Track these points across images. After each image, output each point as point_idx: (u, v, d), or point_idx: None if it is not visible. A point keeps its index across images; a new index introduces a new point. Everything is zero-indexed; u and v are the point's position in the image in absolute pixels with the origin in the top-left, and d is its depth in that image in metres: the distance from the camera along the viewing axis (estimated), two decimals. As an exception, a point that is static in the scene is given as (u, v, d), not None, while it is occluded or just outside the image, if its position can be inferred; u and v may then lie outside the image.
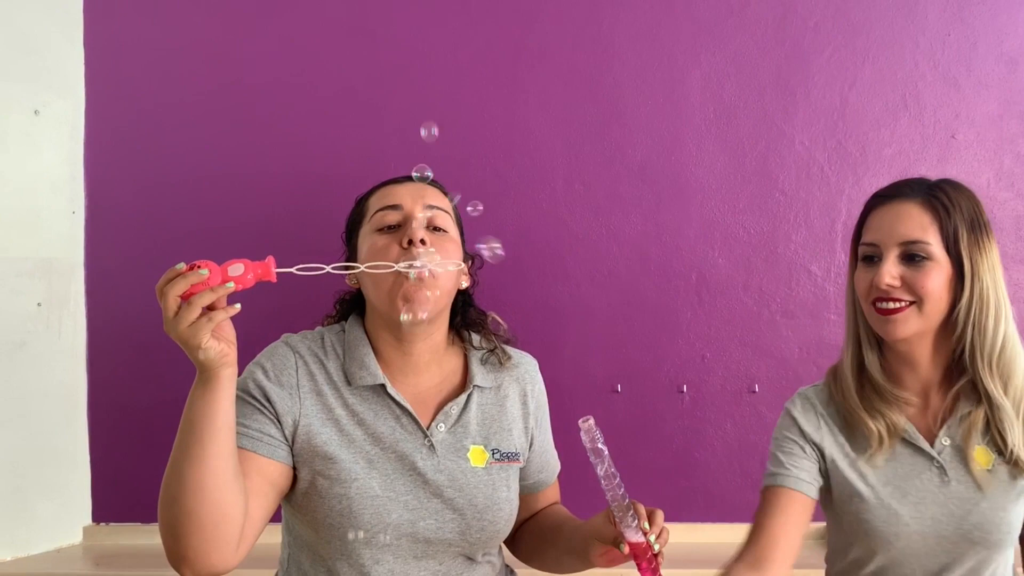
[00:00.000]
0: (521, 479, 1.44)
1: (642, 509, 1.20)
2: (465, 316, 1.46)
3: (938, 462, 1.37)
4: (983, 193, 2.07)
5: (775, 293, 2.12)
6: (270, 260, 1.11)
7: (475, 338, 1.45)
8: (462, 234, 1.43)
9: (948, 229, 1.33)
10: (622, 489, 1.19)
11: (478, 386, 1.40)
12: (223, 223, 2.12)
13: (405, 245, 1.29)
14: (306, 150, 2.13)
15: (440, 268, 1.27)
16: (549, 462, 1.50)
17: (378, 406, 1.34)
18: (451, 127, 2.12)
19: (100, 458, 2.16)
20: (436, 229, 1.34)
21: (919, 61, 2.12)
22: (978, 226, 1.36)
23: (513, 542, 1.51)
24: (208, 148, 2.15)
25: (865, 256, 1.39)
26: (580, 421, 1.20)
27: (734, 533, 2.06)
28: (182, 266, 1.07)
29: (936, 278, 1.33)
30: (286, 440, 1.29)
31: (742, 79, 2.14)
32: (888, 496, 1.36)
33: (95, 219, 2.16)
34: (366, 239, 1.35)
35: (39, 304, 2.08)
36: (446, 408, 1.36)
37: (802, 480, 1.38)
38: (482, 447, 1.37)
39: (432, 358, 1.39)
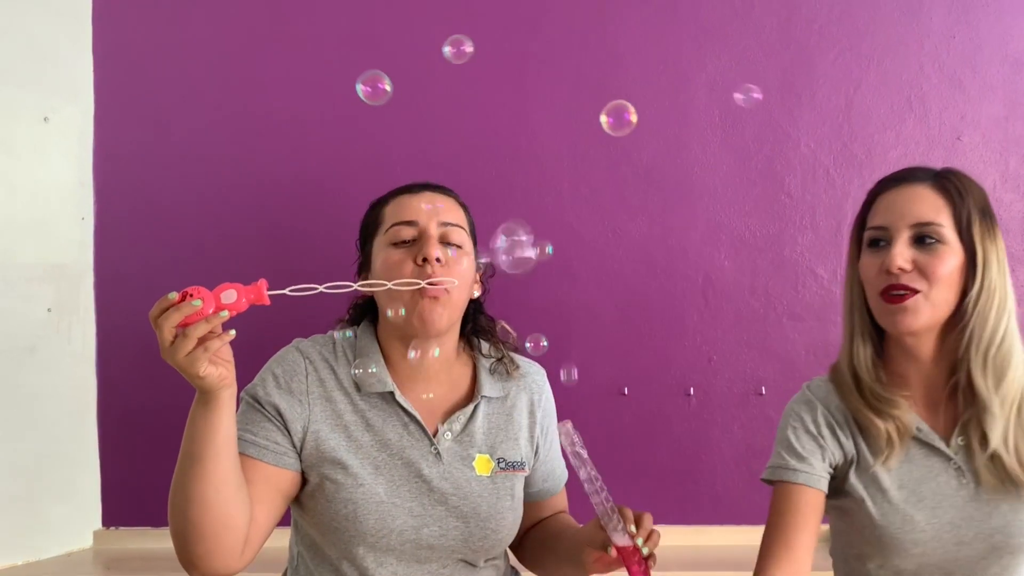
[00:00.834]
0: (526, 487, 1.44)
1: (629, 513, 1.20)
2: (476, 323, 1.47)
3: (956, 463, 1.30)
4: (989, 195, 2.09)
5: (781, 295, 2.12)
6: (262, 283, 1.10)
7: (484, 346, 1.46)
8: (475, 241, 1.42)
9: (961, 213, 1.27)
10: (604, 492, 1.19)
11: (486, 396, 1.40)
12: (231, 228, 2.13)
13: (420, 262, 1.30)
14: (314, 154, 2.14)
15: (445, 281, 1.29)
16: (555, 471, 1.50)
17: (386, 413, 1.34)
18: (458, 133, 2.14)
19: (110, 462, 2.17)
20: (450, 244, 1.34)
21: (924, 63, 2.12)
22: (988, 215, 1.30)
23: (519, 549, 1.52)
24: (216, 154, 2.16)
25: (872, 240, 1.32)
26: (559, 425, 1.21)
27: (741, 535, 2.08)
28: (174, 296, 1.06)
29: (948, 263, 1.26)
30: (294, 447, 1.30)
31: (748, 82, 2.13)
32: (903, 501, 1.29)
33: (104, 225, 2.18)
34: (380, 251, 1.36)
35: (49, 309, 2.09)
36: (453, 417, 1.37)
37: (821, 477, 1.32)
38: (488, 456, 1.37)
39: (442, 367, 1.39)
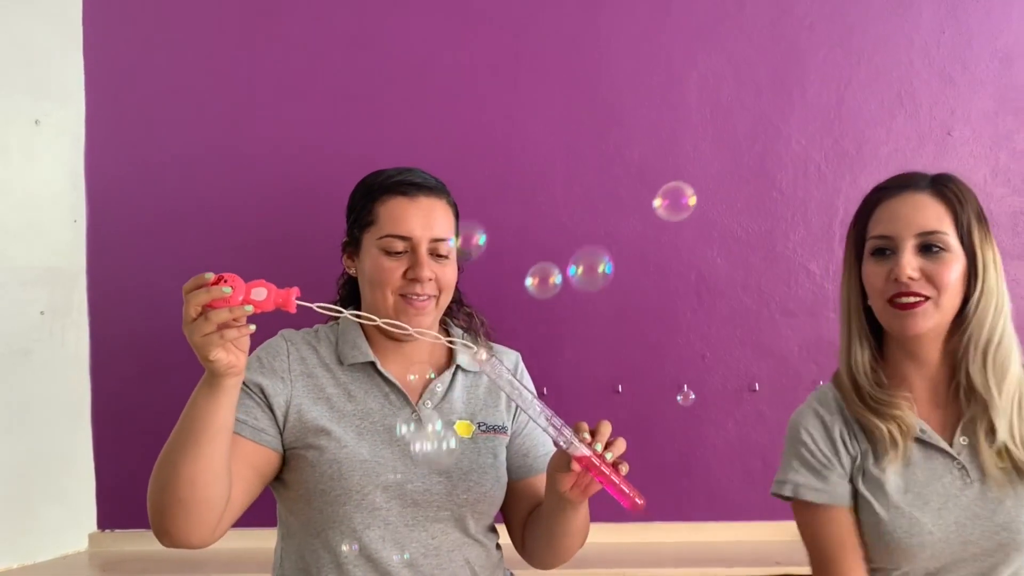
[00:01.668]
0: (509, 459, 1.48)
1: (582, 424, 1.22)
2: (448, 309, 1.52)
3: (959, 462, 1.31)
4: (980, 189, 2.08)
5: (774, 292, 2.13)
6: (294, 291, 1.12)
7: (459, 332, 1.53)
8: (457, 233, 1.47)
9: (962, 220, 1.31)
10: (549, 413, 1.21)
11: (461, 367, 1.47)
12: (225, 231, 2.13)
13: (409, 278, 1.38)
14: (307, 155, 2.14)
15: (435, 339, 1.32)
16: (536, 447, 1.51)
17: (368, 384, 1.41)
18: (450, 130, 2.14)
19: (105, 465, 2.17)
20: (440, 256, 1.41)
21: (914, 59, 2.13)
22: (983, 219, 1.33)
23: (524, 552, 1.51)
24: (209, 156, 2.16)
25: (876, 250, 1.34)
26: (474, 355, 1.22)
27: (735, 532, 2.09)
28: (210, 276, 1.09)
29: (954, 270, 1.29)
30: (277, 425, 1.36)
31: (739, 80, 2.15)
32: (908, 504, 1.30)
33: (97, 228, 2.18)
34: (371, 250, 1.41)
35: (42, 312, 2.09)
36: (431, 386, 1.43)
37: (847, 496, 1.33)
38: (468, 421, 1.44)
39: (420, 344, 1.45)
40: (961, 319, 1.32)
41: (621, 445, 1.23)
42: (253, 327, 1.13)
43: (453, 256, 1.44)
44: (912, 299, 1.29)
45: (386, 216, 1.41)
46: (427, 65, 2.15)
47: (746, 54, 2.14)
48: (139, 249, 2.16)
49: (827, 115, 2.13)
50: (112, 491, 2.17)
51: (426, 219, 1.40)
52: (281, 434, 1.36)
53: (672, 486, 2.12)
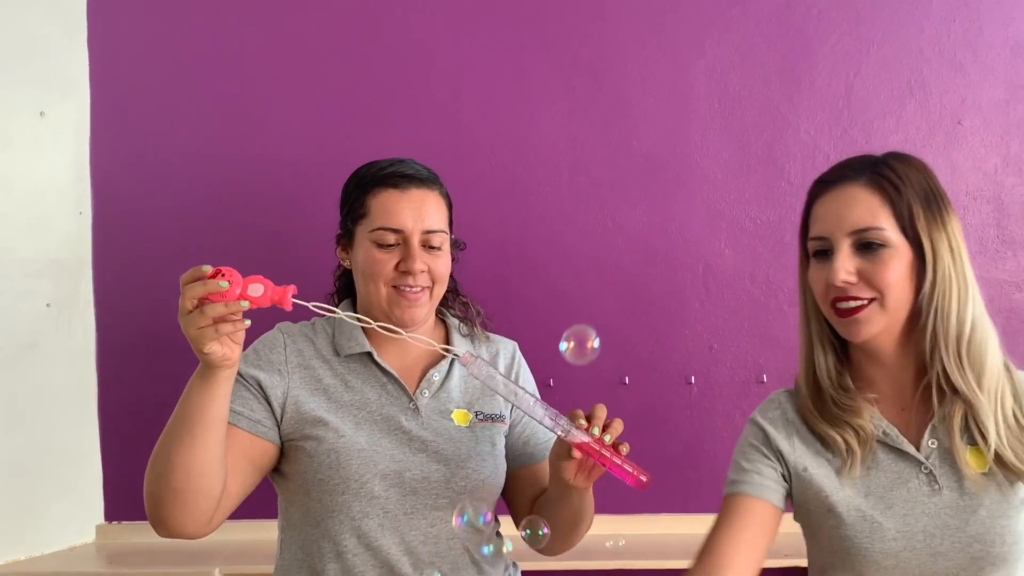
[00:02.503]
0: (509, 448, 1.48)
1: (577, 411, 1.23)
2: (444, 299, 1.52)
3: (927, 467, 1.21)
4: (991, 179, 2.08)
5: (782, 283, 2.11)
6: (291, 289, 1.13)
7: (455, 322, 1.53)
8: (451, 224, 1.48)
9: (901, 209, 1.18)
10: (545, 406, 1.22)
11: (458, 355, 1.43)
12: (229, 223, 2.13)
13: (401, 270, 1.38)
14: (312, 147, 2.14)
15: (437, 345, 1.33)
16: (536, 435, 1.51)
17: (365, 374, 1.41)
18: (456, 121, 2.13)
19: (112, 457, 2.17)
20: (432, 248, 1.41)
21: (924, 47, 2.11)
22: (933, 200, 1.20)
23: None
24: (213, 148, 2.15)
25: (816, 251, 1.24)
26: (459, 359, 1.23)
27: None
28: (208, 269, 1.10)
29: (896, 267, 1.18)
30: (274, 417, 1.36)
31: (747, 69, 2.13)
32: (870, 508, 1.20)
33: (102, 219, 2.17)
34: (363, 243, 1.41)
35: (48, 305, 2.09)
36: (428, 375, 1.44)
37: (765, 487, 1.24)
38: (465, 410, 1.44)
39: (418, 334, 1.43)
40: (918, 314, 1.21)
41: (618, 426, 1.24)
42: (248, 322, 1.13)
43: (446, 247, 1.44)
44: (853, 303, 1.19)
45: (377, 209, 1.41)
46: (432, 56, 2.14)
47: (754, 42, 2.12)
48: (145, 240, 2.16)
49: (836, 104, 2.11)
50: (119, 483, 2.17)
51: (417, 211, 1.40)
52: (279, 426, 1.37)
53: (679, 478, 2.11)
